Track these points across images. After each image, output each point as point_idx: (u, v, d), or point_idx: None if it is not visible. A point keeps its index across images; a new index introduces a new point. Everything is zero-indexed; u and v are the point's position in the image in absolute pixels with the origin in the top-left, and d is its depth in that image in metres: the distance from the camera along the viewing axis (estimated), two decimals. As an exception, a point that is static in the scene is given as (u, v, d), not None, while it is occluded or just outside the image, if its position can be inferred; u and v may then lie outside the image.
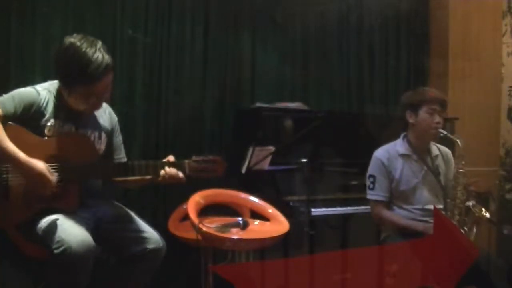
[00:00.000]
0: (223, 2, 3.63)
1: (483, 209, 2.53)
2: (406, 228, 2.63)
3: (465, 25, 4.36)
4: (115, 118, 2.45)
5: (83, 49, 2.05)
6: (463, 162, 2.60)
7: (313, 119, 3.14)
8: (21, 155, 2.01)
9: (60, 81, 2.17)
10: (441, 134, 2.69)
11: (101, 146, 2.33)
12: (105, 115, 2.39)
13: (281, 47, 3.88)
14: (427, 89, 2.89)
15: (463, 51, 4.35)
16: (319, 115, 3.22)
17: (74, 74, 2.06)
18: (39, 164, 2.03)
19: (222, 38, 3.64)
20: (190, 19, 3.51)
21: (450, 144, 2.85)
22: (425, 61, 4.49)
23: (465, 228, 2.53)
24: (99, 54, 2.07)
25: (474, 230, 2.52)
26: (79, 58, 2.04)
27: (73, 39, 2.09)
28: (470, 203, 2.57)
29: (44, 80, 2.30)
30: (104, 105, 2.41)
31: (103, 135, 2.34)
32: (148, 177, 2.30)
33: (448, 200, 2.62)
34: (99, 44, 2.11)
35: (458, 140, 2.62)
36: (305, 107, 3.64)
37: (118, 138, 2.45)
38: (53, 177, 2.05)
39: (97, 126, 2.32)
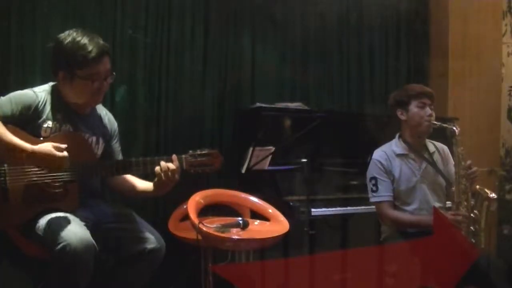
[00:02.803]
0: (223, 2, 3.63)
1: (488, 191, 2.51)
2: (414, 224, 2.61)
3: (465, 25, 4.36)
4: (114, 123, 2.45)
5: (80, 36, 2.15)
6: (462, 148, 2.58)
7: (313, 119, 3.15)
8: (27, 145, 2.01)
9: (60, 73, 2.17)
10: (435, 126, 2.70)
11: (98, 151, 2.32)
12: (105, 120, 2.39)
13: (281, 47, 3.88)
14: (413, 85, 2.91)
15: (463, 51, 4.35)
16: (319, 115, 3.23)
17: (74, 58, 2.12)
18: (45, 147, 2.03)
19: (222, 38, 3.64)
20: (190, 19, 3.51)
21: (448, 141, 2.85)
22: (425, 61, 4.49)
23: (475, 212, 2.50)
24: (96, 39, 2.18)
25: (485, 212, 2.49)
26: (77, 43, 2.13)
27: (69, 31, 2.19)
28: (477, 186, 2.56)
29: (44, 79, 2.29)
30: (104, 111, 2.43)
31: (101, 141, 2.33)
32: (147, 187, 2.31)
33: (453, 188, 2.59)
34: (95, 34, 2.21)
35: (454, 128, 2.62)
36: (305, 107, 3.64)
37: (117, 144, 2.45)
38: (63, 153, 2.04)
39: (95, 130, 2.32)
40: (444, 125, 2.70)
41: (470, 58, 4.35)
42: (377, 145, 2.88)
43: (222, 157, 2.31)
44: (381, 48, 4.31)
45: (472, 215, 2.51)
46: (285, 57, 3.90)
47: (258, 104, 3.52)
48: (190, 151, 2.29)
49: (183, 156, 2.26)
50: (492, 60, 4.41)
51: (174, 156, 2.22)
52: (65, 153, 2.04)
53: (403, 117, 2.77)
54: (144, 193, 2.36)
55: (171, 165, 2.19)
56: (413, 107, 2.72)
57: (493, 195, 2.50)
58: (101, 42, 2.19)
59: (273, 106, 3.52)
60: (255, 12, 3.76)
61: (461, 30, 4.36)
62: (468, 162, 2.56)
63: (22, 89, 2.20)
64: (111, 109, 2.52)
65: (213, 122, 3.58)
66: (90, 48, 2.12)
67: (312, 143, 3.26)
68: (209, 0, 3.58)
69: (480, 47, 4.38)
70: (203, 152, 2.29)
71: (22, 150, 2.00)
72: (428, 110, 2.71)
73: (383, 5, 4.26)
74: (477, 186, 2.55)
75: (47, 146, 2.03)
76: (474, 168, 2.56)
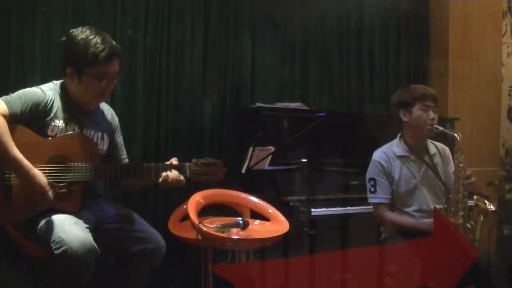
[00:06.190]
0: (223, 2, 3.63)
1: (487, 202, 2.48)
2: (411, 228, 2.59)
3: (465, 25, 4.37)
4: (116, 119, 2.47)
5: (93, 35, 2.16)
6: (463, 156, 2.55)
7: (313, 119, 3.15)
8: (27, 164, 2.01)
9: (69, 68, 2.18)
10: (437, 130, 2.68)
11: (104, 147, 2.34)
12: (108, 116, 2.41)
13: (281, 47, 3.88)
14: (418, 86, 2.85)
15: (463, 51, 4.36)
16: (319, 115, 3.23)
17: (85, 55, 2.13)
18: (42, 179, 2.03)
19: (222, 38, 3.64)
20: (190, 19, 3.51)
21: (450, 142, 2.84)
22: (425, 61, 4.50)
23: (471, 222, 2.49)
24: (108, 39, 2.20)
25: (480, 223, 2.47)
26: (89, 41, 2.14)
27: (82, 28, 2.20)
28: (474, 196, 2.53)
29: (44, 80, 2.29)
30: (107, 107, 2.45)
31: (106, 136, 2.35)
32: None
33: (450, 196, 2.57)
34: (107, 34, 2.24)
35: (456, 135, 2.59)
36: (305, 107, 3.64)
37: (120, 139, 2.47)
38: (51, 194, 2.06)
39: (100, 127, 2.33)
40: (447, 131, 2.67)
41: (470, 58, 4.35)
42: (377, 145, 2.87)
43: (225, 168, 2.35)
44: (381, 48, 4.32)
45: (468, 225, 2.50)
46: (285, 57, 3.90)
47: (258, 104, 3.52)
48: (194, 160, 2.31)
49: (187, 164, 2.28)
50: (492, 60, 4.41)
51: (176, 162, 2.27)
52: (51, 195, 2.05)
53: (405, 119, 2.74)
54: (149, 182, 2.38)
55: (175, 174, 2.24)
56: (417, 110, 2.68)
57: (491, 207, 2.47)
58: (114, 43, 2.21)
59: (273, 106, 3.52)
60: (255, 12, 3.76)
61: (461, 30, 4.36)
62: (468, 172, 2.55)
63: (22, 89, 2.19)
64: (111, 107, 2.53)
65: (213, 122, 3.58)
66: (102, 47, 2.14)
67: (312, 143, 3.26)
68: (209, 0, 3.58)
69: (480, 47, 4.38)
70: (208, 161, 2.32)
71: (20, 168, 2.00)
72: (431, 114, 2.67)
73: (383, 5, 4.26)
74: (475, 197, 2.53)
75: (43, 179, 2.03)
76: (473, 179, 2.55)
